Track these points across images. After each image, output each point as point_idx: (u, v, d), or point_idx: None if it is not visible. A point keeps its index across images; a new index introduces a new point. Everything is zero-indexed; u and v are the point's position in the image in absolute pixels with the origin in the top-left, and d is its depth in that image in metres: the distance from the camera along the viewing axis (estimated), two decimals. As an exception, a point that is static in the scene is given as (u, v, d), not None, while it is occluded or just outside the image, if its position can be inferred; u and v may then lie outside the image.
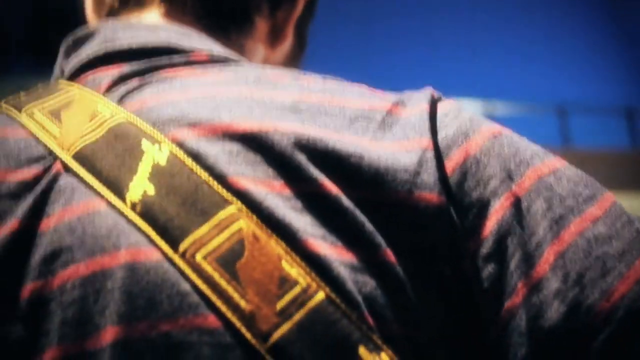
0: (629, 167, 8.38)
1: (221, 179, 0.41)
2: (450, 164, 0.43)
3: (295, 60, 0.64)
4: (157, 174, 0.42)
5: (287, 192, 0.41)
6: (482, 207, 0.42)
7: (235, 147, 0.43)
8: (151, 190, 0.42)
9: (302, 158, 0.42)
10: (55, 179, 0.44)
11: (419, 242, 0.41)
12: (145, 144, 0.43)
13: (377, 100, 0.46)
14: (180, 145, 0.43)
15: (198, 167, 0.42)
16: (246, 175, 0.42)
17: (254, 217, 0.40)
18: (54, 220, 0.42)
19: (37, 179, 0.44)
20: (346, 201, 0.41)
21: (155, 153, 0.43)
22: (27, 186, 0.43)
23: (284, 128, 0.43)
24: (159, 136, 0.44)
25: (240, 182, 0.41)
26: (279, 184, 0.42)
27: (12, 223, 0.42)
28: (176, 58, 0.50)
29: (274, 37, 0.60)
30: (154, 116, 0.45)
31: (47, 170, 0.44)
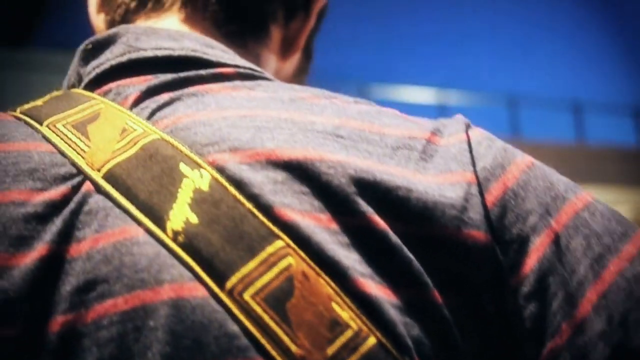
0: (575, 161, 8.58)
1: (267, 210, 0.39)
2: (490, 198, 0.42)
3: (303, 73, 0.63)
4: (199, 202, 0.40)
5: (334, 226, 0.40)
6: (522, 243, 0.41)
7: (279, 175, 0.40)
8: (194, 219, 0.39)
9: (349, 190, 0.40)
10: (85, 199, 0.41)
11: (466, 280, 0.40)
12: (184, 167, 0.41)
13: (415, 127, 0.45)
14: (221, 171, 0.41)
15: (242, 195, 0.40)
16: (292, 206, 0.40)
17: (303, 253, 0.38)
18: (85, 246, 0.39)
19: (65, 200, 0.41)
20: (394, 237, 0.40)
21: (196, 178, 0.40)
22: (55, 207, 0.40)
23: (330, 157, 0.41)
24: (199, 160, 0.41)
25: (287, 214, 0.39)
26: (325, 217, 0.40)
27: (40, 248, 0.39)
28: (204, 72, 0.48)
29: (286, 48, 0.59)
30: (190, 136, 0.43)
31: (75, 189, 0.41)
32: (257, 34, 0.56)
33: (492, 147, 0.45)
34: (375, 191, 0.40)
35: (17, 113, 0.48)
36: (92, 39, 0.51)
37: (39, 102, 0.49)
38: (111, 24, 0.56)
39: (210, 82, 0.47)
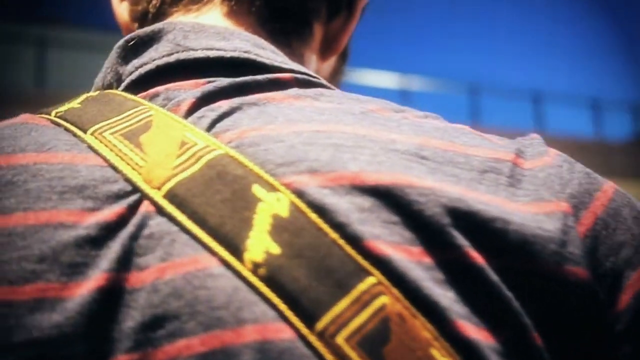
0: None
1: (355, 241, 0.35)
2: (582, 229, 0.39)
3: (339, 74, 0.60)
4: (279, 230, 0.35)
5: (428, 260, 0.36)
6: (616, 277, 0.38)
7: (366, 202, 0.36)
8: (275, 250, 0.35)
9: (442, 221, 0.36)
10: (144, 222, 0.36)
11: (567, 320, 0.37)
12: (258, 189, 0.37)
13: (497, 148, 0.41)
14: (301, 195, 0.36)
15: (326, 224, 0.36)
16: (382, 238, 0.35)
17: (398, 291, 0.35)
18: (150, 276, 0.35)
19: (121, 221, 0.36)
20: (491, 273, 0.36)
21: (273, 203, 0.36)
22: (110, 230, 0.36)
23: (419, 183, 0.37)
24: (274, 181, 0.37)
25: (378, 246, 0.35)
26: (417, 250, 0.36)
27: (97, 277, 0.34)
28: (261, 77, 0.43)
29: (327, 48, 0.55)
30: (260, 154, 0.38)
31: (132, 210, 0.37)
32: (300, 33, 0.52)
33: (574, 171, 0.41)
34: (470, 222, 0.37)
35: (53, 116, 0.43)
36: (133, 34, 0.47)
37: (74, 104, 0.44)
38: (143, 15, 0.52)
39: (269, 90, 0.43)
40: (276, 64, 0.45)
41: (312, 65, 0.54)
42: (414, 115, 0.44)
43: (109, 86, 0.46)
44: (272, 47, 0.47)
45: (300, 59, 0.51)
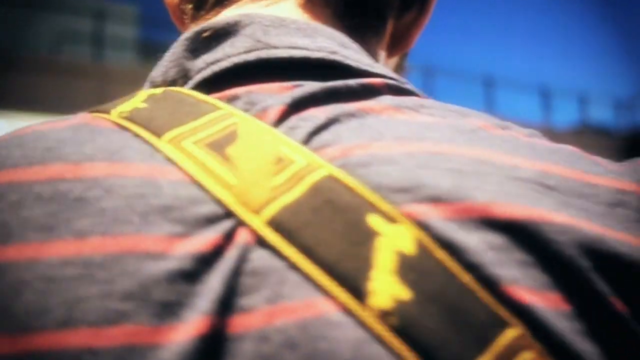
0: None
1: (492, 286, 0.31)
2: None
3: (401, 71, 0.55)
4: (406, 271, 0.30)
5: (567, 308, 0.31)
6: None
7: (498, 240, 0.31)
8: (405, 295, 0.30)
9: (581, 262, 0.32)
10: (245, 254, 0.31)
11: None
12: (375, 220, 0.31)
13: (618, 177, 0.37)
14: (425, 228, 0.31)
15: (458, 265, 0.31)
16: (520, 282, 0.31)
17: (543, 346, 0.30)
18: (257, 321, 0.30)
19: (217, 252, 0.31)
20: (636, 325, 0.32)
21: (395, 237, 0.31)
22: (205, 263, 0.30)
23: (553, 218, 0.33)
24: (393, 211, 0.32)
25: (516, 292, 0.31)
26: (555, 296, 0.31)
27: (196, 321, 0.29)
28: (353, 82, 0.38)
29: (395, 44, 0.50)
30: (371, 177, 0.33)
31: (228, 238, 0.31)
32: (376, 28, 0.46)
33: None
34: (611, 266, 0.32)
35: (115, 117, 0.37)
36: (205, 26, 0.41)
37: (137, 102, 0.38)
38: (201, 1, 0.45)
39: (363, 97, 0.38)
40: (363, 66, 0.40)
41: (382, 63, 0.49)
42: (522, 133, 0.39)
43: (173, 83, 0.40)
44: (355, 46, 0.42)
45: (374, 57, 0.46)
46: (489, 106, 12.01)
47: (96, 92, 8.67)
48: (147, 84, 0.42)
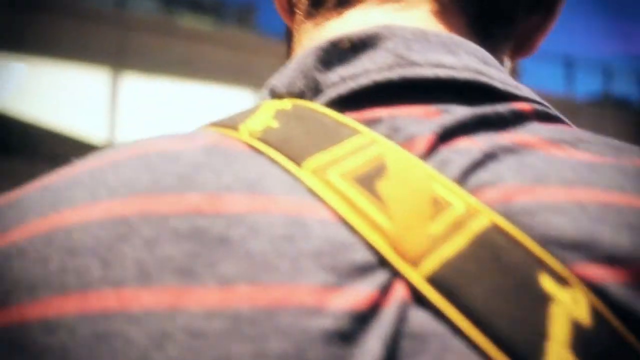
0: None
1: None
2: None
3: (514, 75, 0.49)
4: (582, 344, 0.27)
5: None
6: None
7: None
8: None
9: None
10: (404, 314, 0.28)
11: None
12: (547, 283, 0.28)
13: None
14: (601, 294, 0.28)
15: (637, 340, 0.28)
16: None
17: None
18: None
19: (375, 309, 0.27)
20: None
21: (570, 304, 0.28)
22: (363, 321, 0.27)
23: None
24: (565, 272, 0.28)
25: None
26: None
27: None
28: (501, 108, 0.34)
29: (519, 49, 0.45)
30: (539, 228, 0.29)
31: (385, 292, 0.28)
32: (508, 36, 0.42)
33: None
34: None
35: (247, 137, 0.33)
36: (341, 36, 0.37)
37: (267, 119, 0.34)
38: (315, 3, 0.41)
39: (515, 128, 0.34)
40: (508, 88, 0.36)
41: (508, 73, 0.44)
42: None
43: (299, 95, 0.36)
44: (495, 62, 0.38)
45: (503, 67, 0.42)
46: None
47: (117, 40, 8.61)
48: (264, 91, 0.38)
